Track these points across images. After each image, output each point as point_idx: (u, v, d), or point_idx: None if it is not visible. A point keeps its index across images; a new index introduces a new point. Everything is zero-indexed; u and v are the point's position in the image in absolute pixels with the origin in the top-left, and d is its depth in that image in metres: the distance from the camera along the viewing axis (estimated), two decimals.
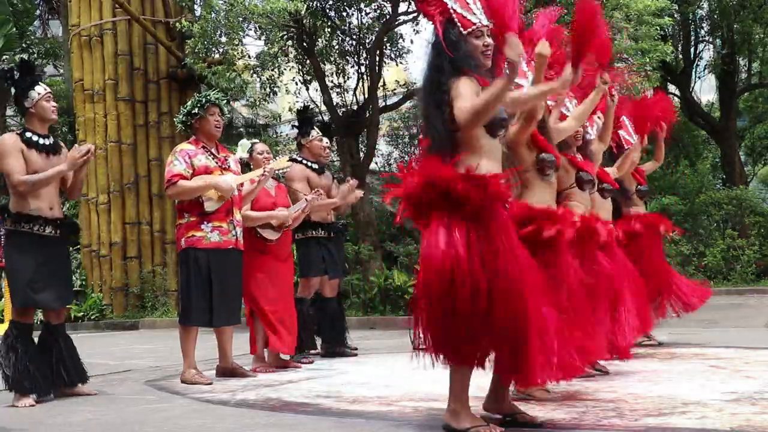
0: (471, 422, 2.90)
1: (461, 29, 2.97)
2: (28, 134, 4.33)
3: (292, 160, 6.01)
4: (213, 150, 4.98)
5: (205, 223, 4.81)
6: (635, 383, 4.00)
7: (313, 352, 6.01)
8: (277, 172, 5.31)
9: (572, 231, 3.73)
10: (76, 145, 4.36)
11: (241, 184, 5.04)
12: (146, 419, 3.64)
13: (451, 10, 2.99)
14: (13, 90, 4.43)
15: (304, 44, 10.52)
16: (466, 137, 2.93)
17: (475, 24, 2.99)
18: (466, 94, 2.87)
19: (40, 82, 4.45)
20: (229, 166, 4.99)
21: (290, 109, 6.07)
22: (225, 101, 5.13)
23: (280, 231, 5.47)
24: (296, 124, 6.25)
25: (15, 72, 4.46)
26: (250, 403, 3.95)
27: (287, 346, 5.34)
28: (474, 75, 2.94)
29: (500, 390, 3.14)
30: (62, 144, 4.55)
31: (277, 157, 5.41)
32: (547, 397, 3.58)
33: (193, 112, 4.97)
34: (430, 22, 3.03)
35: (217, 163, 4.93)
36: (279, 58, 10.55)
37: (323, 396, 4.05)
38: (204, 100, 4.98)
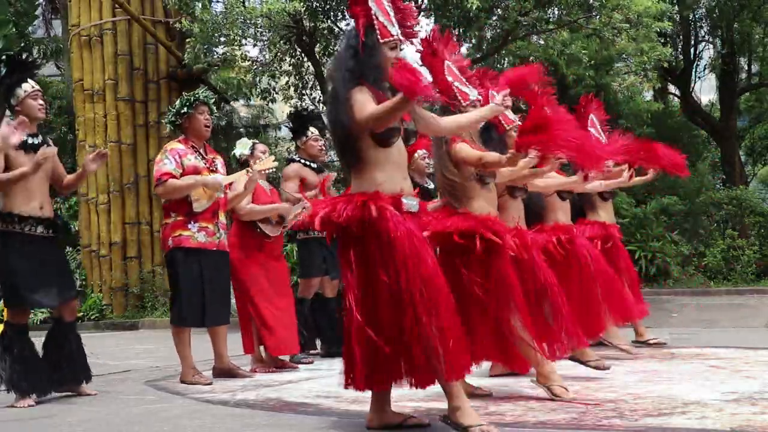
0: (473, 420, 2.91)
1: (379, 37, 3.05)
2: None
3: (290, 160, 6.01)
4: (201, 150, 4.97)
5: (192, 222, 4.79)
6: (635, 383, 4.00)
7: (313, 352, 6.01)
8: (266, 172, 5.28)
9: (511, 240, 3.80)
10: (42, 149, 4.29)
11: (228, 185, 5.02)
12: (146, 419, 3.64)
13: (374, 17, 3.06)
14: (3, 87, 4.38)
15: (304, 45, 10.53)
16: (357, 148, 3.02)
17: (393, 36, 3.08)
18: (364, 101, 2.95)
19: (28, 80, 4.38)
20: (216, 168, 4.97)
21: (288, 115, 6.10)
22: (212, 100, 5.11)
23: (279, 229, 5.47)
24: (290, 126, 6.26)
25: (1, 69, 4.40)
26: (250, 404, 3.95)
27: (287, 345, 5.33)
28: (370, 87, 3.00)
29: (385, 401, 3.15)
30: (50, 142, 4.47)
31: (261, 158, 5.35)
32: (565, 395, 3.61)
33: (182, 111, 4.95)
34: (353, 22, 3.10)
35: (205, 163, 4.92)
36: (275, 65, 10.55)
37: (323, 396, 4.05)
38: (193, 98, 4.95)
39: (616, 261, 5.62)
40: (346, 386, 3.10)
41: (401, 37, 3.11)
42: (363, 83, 3.01)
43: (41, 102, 4.42)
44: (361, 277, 2.99)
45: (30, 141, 4.31)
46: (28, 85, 4.37)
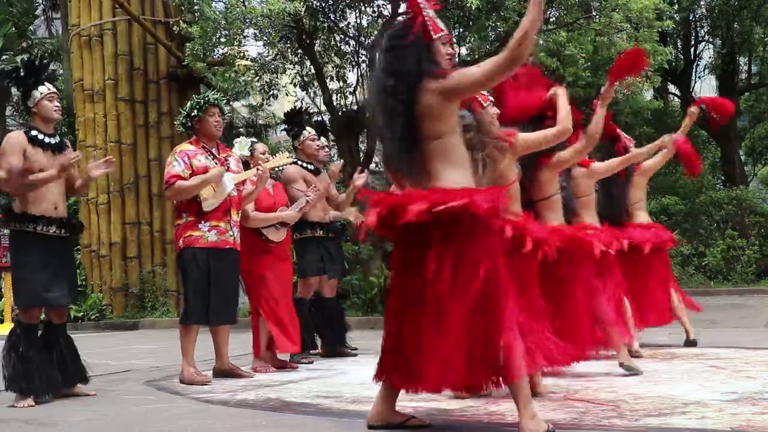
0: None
1: (432, 34, 3.02)
2: (34, 132, 4.32)
3: None
4: (213, 150, 4.99)
5: (203, 222, 4.82)
6: (635, 383, 4.00)
7: (313, 352, 6.01)
8: (276, 169, 5.31)
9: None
10: (71, 152, 4.32)
11: (242, 183, 5.04)
12: (146, 419, 3.64)
13: (425, 14, 3.03)
14: (16, 89, 4.43)
15: (304, 44, 10.53)
16: (442, 145, 2.93)
17: (443, 30, 3.06)
18: (462, 71, 2.92)
19: (45, 82, 4.43)
20: (229, 167, 4.99)
21: (284, 115, 6.13)
22: (224, 101, 5.14)
23: (284, 232, 5.48)
24: (285, 128, 6.26)
25: (20, 71, 4.45)
26: (250, 403, 3.95)
27: (296, 344, 5.38)
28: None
29: (392, 398, 3.11)
30: (68, 143, 4.55)
31: (276, 155, 5.39)
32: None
33: (192, 113, 4.97)
34: (412, 20, 3.03)
35: (216, 163, 4.93)
36: (278, 60, 10.55)
37: (323, 396, 4.05)
38: (203, 101, 4.98)
39: (656, 269, 5.61)
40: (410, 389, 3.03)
41: (447, 32, 3.09)
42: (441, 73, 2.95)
43: (57, 104, 4.46)
44: (443, 271, 2.83)
45: (48, 141, 4.35)
46: (45, 88, 4.41)
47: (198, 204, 4.82)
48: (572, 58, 10.49)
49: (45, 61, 4.77)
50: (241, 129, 15.14)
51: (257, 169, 5.08)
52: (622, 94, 14.03)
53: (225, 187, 4.88)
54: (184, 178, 4.78)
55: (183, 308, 4.94)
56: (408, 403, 3.61)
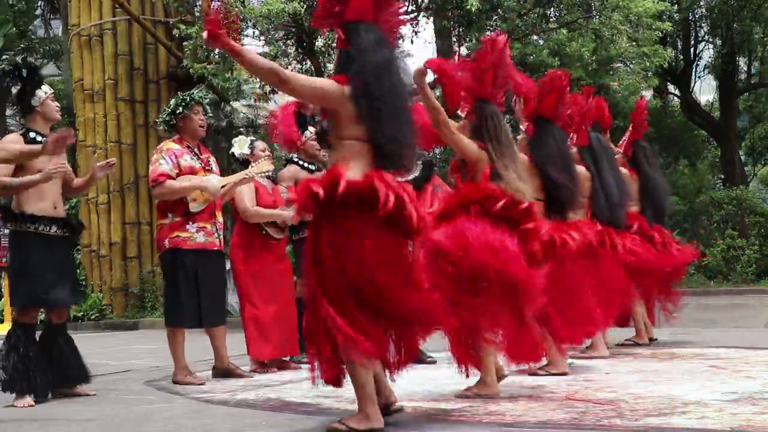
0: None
1: None
2: (32, 134, 4.31)
3: (288, 161, 6.01)
4: (196, 150, 4.96)
5: (190, 223, 4.77)
6: (635, 383, 4.00)
7: None
8: (262, 174, 5.26)
9: None
10: (56, 160, 4.28)
11: (224, 186, 5.00)
12: (146, 419, 3.64)
13: None
14: (18, 89, 4.37)
15: (304, 44, 10.53)
16: None
17: None
18: None
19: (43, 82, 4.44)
20: (211, 168, 4.96)
21: None
22: (207, 100, 5.11)
23: (284, 231, 5.47)
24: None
25: (22, 70, 4.41)
26: (250, 403, 3.95)
27: (276, 349, 5.28)
28: None
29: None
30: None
31: (259, 161, 5.34)
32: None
33: (177, 111, 4.94)
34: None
35: (200, 163, 4.91)
36: (279, 58, 10.55)
37: (323, 396, 4.04)
38: (188, 98, 4.95)
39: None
40: None
41: None
42: None
43: (57, 104, 4.48)
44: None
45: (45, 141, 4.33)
46: (47, 87, 4.42)
47: (185, 204, 4.77)
48: (573, 57, 10.48)
49: (39, 60, 4.79)
50: (241, 129, 15.15)
51: (246, 173, 5.04)
52: (621, 95, 14.05)
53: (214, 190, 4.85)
54: (172, 177, 4.74)
55: (170, 310, 4.85)
56: (408, 403, 3.62)
